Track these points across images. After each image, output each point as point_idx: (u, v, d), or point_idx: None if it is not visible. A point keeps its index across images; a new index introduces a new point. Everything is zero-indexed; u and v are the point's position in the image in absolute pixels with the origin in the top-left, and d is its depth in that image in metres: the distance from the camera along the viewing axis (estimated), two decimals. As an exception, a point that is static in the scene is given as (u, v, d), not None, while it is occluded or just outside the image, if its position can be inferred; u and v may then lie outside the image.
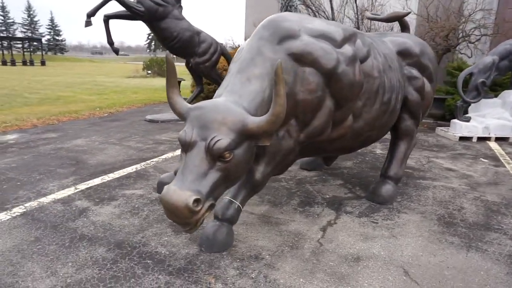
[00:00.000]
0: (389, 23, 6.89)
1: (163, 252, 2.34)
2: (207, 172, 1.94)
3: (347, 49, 2.68)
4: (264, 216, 2.93)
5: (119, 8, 6.14)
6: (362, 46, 2.85)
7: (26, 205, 2.94)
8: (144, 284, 2.01)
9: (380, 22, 8.26)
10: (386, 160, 3.45)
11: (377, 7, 8.93)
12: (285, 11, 6.05)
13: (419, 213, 3.09)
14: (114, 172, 3.85)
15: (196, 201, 1.83)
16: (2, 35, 46.69)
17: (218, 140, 1.91)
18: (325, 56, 2.51)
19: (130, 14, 6.20)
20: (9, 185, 3.37)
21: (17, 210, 2.85)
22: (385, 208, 3.17)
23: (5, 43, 34.58)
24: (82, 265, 2.16)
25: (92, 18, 6.02)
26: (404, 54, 3.26)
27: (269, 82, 2.34)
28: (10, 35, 51.29)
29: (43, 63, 33.73)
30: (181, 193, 1.82)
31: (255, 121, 2.00)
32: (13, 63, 30.87)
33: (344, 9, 9.01)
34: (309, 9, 8.88)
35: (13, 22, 59.75)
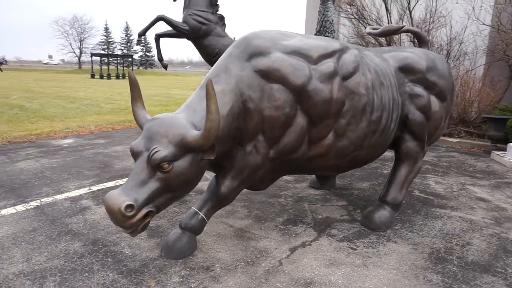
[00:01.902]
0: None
1: (126, 252, 2.52)
2: (147, 181, 2.07)
3: (325, 65, 2.62)
4: (240, 230, 2.95)
5: (167, 27, 6.75)
6: (349, 62, 2.74)
7: (42, 200, 3.41)
8: (93, 279, 2.20)
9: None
10: (386, 183, 3.21)
11: (438, 19, 8.30)
12: (320, 27, 5.99)
13: (412, 244, 2.81)
14: (131, 177, 4.21)
15: (129, 206, 1.96)
16: (103, 52, 53.73)
17: (157, 151, 2.04)
18: (294, 73, 2.49)
19: (177, 32, 6.75)
20: (40, 182, 3.92)
21: (33, 204, 3.31)
22: (374, 235, 2.94)
23: (105, 60, 39.68)
24: (54, 256, 2.44)
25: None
26: (406, 70, 3.04)
27: (232, 98, 2.42)
28: (110, 52, 58.77)
29: (132, 77, 37.77)
30: (118, 198, 1.98)
31: (192, 135, 2.08)
32: (108, 77, 35.27)
33: (402, 23, 8.56)
34: (360, 23, 8.64)
35: (113, 41, 68.34)
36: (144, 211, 2.04)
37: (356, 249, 2.70)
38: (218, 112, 2.02)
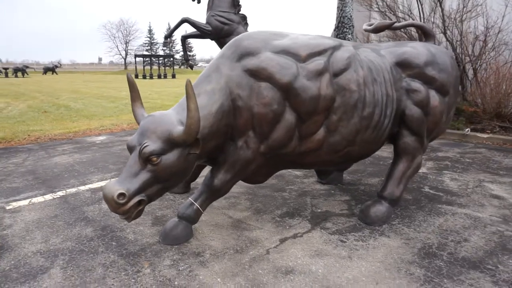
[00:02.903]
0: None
1: (129, 238, 2.79)
2: (139, 172, 2.30)
3: (314, 63, 2.71)
4: (238, 221, 3.12)
5: (191, 29, 7.05)
6: (341, 59, 2.81)
7: (67, 190, 3.81)
8: (96, 259, 2.48)
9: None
10: (385, 178, 3.21)
11: (475, 8, 7.86)
12: (339, 23, 5.96)
13: (405, 239, 2.81)
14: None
15: (121, 195, 2.21)
16: (146, 53, 56.18)
17: (146, 145, 2.27)
18: (280, 71, 2.61)
19: (201, 33, 7.04)
20: (69, 175, 4.36)
21: (59, 194, 3.72)
22: (368, 229, 2.98)
23: (148, 60, 41.63)
24: (67, 239, 2.77)
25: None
26: (403, 65, 3.02)
27: (222, 96, 2.59)
28: (153, 53, 61.30)
29: (173, 76, 39.30)
30: (112, 187, 2.23)
31: (177, 131, 2.28)
32: (151, 76, 36.95)
33: (434, 15, 8.22)
34: (386, 16, 8.41)
35: (156, 42, 71.20)
36: (136, 199, 2.28)
37: (346, 242, 2.77)
38: (197, 110, 2.20)
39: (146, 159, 2.28)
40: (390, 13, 8.66)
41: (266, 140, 2.70)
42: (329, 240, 2.80)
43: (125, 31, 67.13)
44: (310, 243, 2.74)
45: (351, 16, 5.84)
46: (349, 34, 5.83)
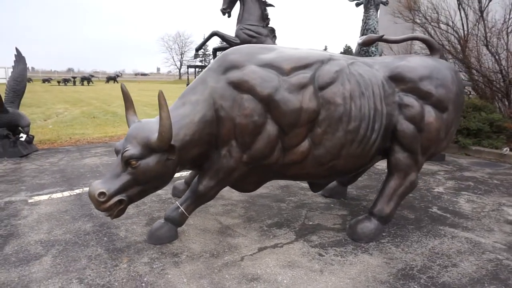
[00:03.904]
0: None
1: (120, 234, 3.02)
2: (120, 174, 2.52)
3: (297, 76, 2.77)
4: (226, 227, 3.22)
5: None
6: (328, 73, 2.83)
7: (84, 189, 4.18)
8: (84, 252, 2.73)
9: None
10: (377, 195, 3.12)
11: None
12: (362, 35, 5.87)
13: (388, 258, 2.71)
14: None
15: (102, 194, 2.43)
16: (199, 64, 58.73)
17: (127, 150, 2.48)
18: (261, 84, 2.70)
19: (230, 46, 7.33)
20: (91, 175, 4.77)
21: (76, 191, 4.10)
22: (353, 245, 2.91)
23: (200, 70, 43.52)
24: (68, 231, 3.07)
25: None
26: (396, 79, 2.96)
27: (205, 107, 2.74)
28: (206, 64, 63.91)
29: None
30: (95, 186, 2.47)
31: (153, 138, 2.46)
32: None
33: (477, 28, 7.74)
34: (426, 30, 8.06)
35: (209, 53, 74.08)
36: (116, 198, 2.48)
37: (324, 256, 2.74)
38: (169, 118, 2.37)
39: (126, 162, 2.48)
40: (432, 25, 8.29)
41: (248, 150, 2.79)
42: (308, 252, 2.79)
43: (181, 43, 71.03)
44: (287, 254, 2.76)
45: (374, 29, 5.73)
46: (372, 47, 5.72)
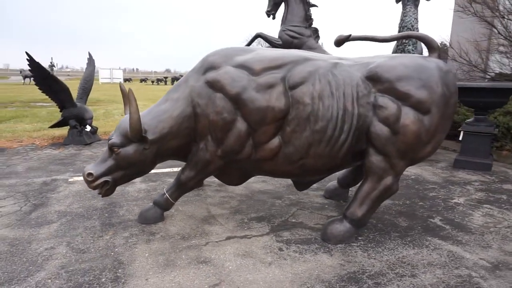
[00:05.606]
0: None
1: (120, 213, 3.51)
2: (106, 159, 2.98)
3: (266, 77, 2.91)
4: (211, 216, 3.49)
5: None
6: (299, 73, 2.92)
7: (115, 173, 4.83)
8: (84, 223, 3.27)
9: None
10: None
11: None
12: (400, 32, 5.54)
13: (346, 261, 2.69)
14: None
15: (90, 174, 2.91)
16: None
17: (110, 138, 2.92)
18: (230, 83, 2.91)
19: (273, 47, 7.53)
20: (128, 162, 5.45)
21: (108, 175, 4.77)
22: (319, 245, 2.93)
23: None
24: (82, 206, 3.67)
25: None
26: (373, 79, 2.87)
27: (183, 104, 3.06)
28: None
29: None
30: (86, 168, 2.97)
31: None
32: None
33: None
34: (485, 21, 7.18)
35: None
36: (102, 179, 2.95)
37: (282, 251, 2.83)
38: (137, 112, 2.74)
39: (110, 149, 2.93)
40: (495, 17, 7.35)
41: (221, 145, 3.02)
42: (269, 246, 2.91)
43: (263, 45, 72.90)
44: (249, 245, 2.91)
45: (412, 26, 5.37)
46: (409, 45, 5.38)
